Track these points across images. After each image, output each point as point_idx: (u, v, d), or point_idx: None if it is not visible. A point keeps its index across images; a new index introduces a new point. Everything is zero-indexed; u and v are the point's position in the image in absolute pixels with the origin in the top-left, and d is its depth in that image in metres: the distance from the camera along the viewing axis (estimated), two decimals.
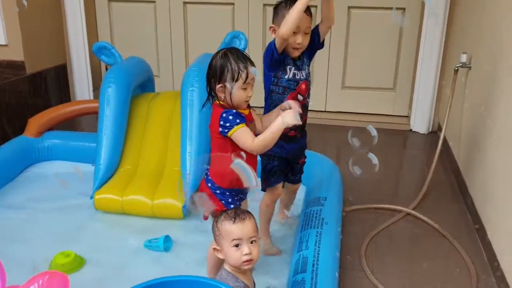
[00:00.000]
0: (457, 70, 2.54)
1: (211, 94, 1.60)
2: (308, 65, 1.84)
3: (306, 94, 1.82)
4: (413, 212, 2.31)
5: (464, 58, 2.50)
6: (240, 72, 1.52)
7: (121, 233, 2.13)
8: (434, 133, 3.35)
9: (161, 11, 3.60)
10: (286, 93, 1.77)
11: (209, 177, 1.67)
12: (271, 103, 1.79)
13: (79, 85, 3.68)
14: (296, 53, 1.78)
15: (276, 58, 1.72)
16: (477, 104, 2.40)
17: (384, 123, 3.39)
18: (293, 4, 1.69)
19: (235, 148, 1.56)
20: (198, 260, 1.90)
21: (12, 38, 3.15)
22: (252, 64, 1.55)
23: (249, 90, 1.55)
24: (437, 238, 2.14)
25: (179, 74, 3.68)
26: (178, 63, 3.71)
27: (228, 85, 1.52)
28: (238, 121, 1.52)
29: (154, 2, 3.59)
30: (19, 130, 2.86)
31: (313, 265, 1.68)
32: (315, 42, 1.82)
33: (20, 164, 2.67)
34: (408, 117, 3.49)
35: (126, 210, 2.23)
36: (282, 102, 1.71)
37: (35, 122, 2.77)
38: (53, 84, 3.53)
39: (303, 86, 1.80)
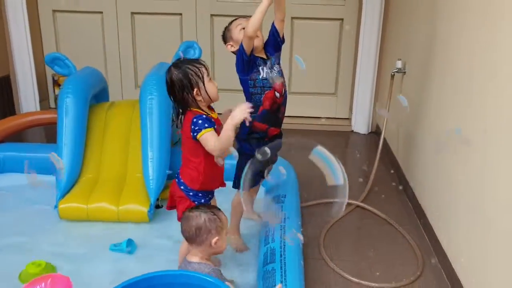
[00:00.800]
0: (393, 75, 2.81)
1: (183, 105, 1.69)
2: (278, 63, 1.98)
3: (283, 90, 1.97)
4: (362, 204, 2.54)
5: (399, 64, 2.78)
6: (200, 68, 1.65)
7: (87, 240, 2.17)
8: (373, 133, 3.64)
9: (108, 22, 3.63)
10: (263, 93, 1.91)
11: (181, 181, 1.78)
12: (254, 105, 1.93)
13: (25, 96, 3.62)
14: (258, 42, 1.89)
15: (246, 60, 1.86)
16: (411, 105, 2.67)
17: (327, 125, 3.64)
18: (234, 22, 1.92)
19: (206, 151, 1.67)
20: (164, 260, 2.01)
21: None
22: (201, 62, 1.69)
23: (213, 81, 1.69)
24: (385, 226, 2.37)
25: (128, 83, 3.74)
26: (126, 73, 3.75)
27: (201, 85, 1.65)
28: (206, 125, 1.63)
29: (101, 12, 3.61)
30: None
31: (281, 255, 1.83)
32: (277, 39, 1.96)
33: None
34: (349, 119, 3.76)
35: (91, 218, 2.26)
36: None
37: None
38: None
39: (279, 85, 1.95)
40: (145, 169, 2.35)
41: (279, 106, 1.97)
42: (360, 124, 3.63)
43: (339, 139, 3.57)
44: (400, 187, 2.73)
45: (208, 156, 1.66)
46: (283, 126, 2.08)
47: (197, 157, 1.68)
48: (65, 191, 2.34)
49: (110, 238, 2.14)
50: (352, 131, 3.69)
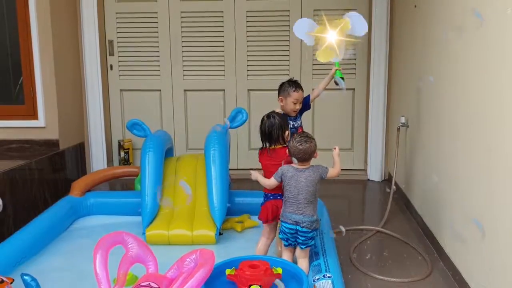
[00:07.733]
0: (399, 128, 3.54)
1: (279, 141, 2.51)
2: (299, 119, 2.78)
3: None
4: (382, 229, 3.18)
5: (403, 119, 3.52)
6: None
7: (169, 259, 2.79)
8: (385, 180, 4.33)
9: (165, 97, 4.50)
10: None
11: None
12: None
13: (96, 159, 4.40)
14: (293, 114, 2.73)
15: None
16: (414, 152, 3.38)
17: (347, 175, 4.34)
18: (294, 85, 2.69)
19: None
20: None
21: (49, 121, 3.90)
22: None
23: None
24: (401, 244, 3.00)
25: (180, 145, 4.52)
26: (179, 137, 4.54)
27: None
28: None
29: (159, 90, 4.49)
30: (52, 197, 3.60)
31: (323, 255, 2.47)
32: (305, 105, 2.77)
33: (69, 218, 3.30)
34: (365, 170, 4.47)
35: (172, 242, 2.91)
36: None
37: (79, 184, 3.46)
38: (73, 159, 4.23)
39: (299, 130, 2.72)
40: (211, 202, 3.04)
41: None
42: (374, 173, 4.35)
43: (358, 186, 4.27)
44: (410, 215, 3.38)
45: None
46: None
47: None
48: (149, 222, 3.02)
49: None
50: (368, 179, 4.38)
